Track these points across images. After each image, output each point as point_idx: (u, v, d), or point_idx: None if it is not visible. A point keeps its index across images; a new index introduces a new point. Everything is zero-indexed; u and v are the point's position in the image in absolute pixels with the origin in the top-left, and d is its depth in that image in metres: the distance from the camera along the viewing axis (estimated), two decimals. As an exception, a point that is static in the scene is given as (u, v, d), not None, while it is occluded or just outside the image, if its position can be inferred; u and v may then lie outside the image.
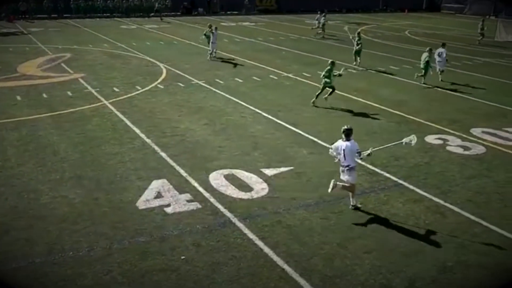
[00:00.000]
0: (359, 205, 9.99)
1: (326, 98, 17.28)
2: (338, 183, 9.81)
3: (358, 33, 25.60)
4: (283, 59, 26.28)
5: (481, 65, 25.94)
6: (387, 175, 11.63)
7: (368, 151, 9.86)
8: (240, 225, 9.22)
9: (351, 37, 25.30)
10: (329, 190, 9.75)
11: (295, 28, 40.64)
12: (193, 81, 20.54)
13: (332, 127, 14.93)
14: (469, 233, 9.13)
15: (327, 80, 17.21)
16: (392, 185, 11.14)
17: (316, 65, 24.41)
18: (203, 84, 19.99)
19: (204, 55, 26.72)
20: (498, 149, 13.49)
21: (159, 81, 20.39)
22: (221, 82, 20.45)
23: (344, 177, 9.78)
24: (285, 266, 7.98)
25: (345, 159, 9.69)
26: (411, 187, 11.03)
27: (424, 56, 20.67)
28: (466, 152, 13.22)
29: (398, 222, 9.47)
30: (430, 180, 11.41)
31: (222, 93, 18.69)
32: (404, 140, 10.28)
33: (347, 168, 9.70)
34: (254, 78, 21.39)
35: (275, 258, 8.20)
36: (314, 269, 7.92)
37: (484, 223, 9.49)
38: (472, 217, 9.72)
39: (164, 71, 22.43)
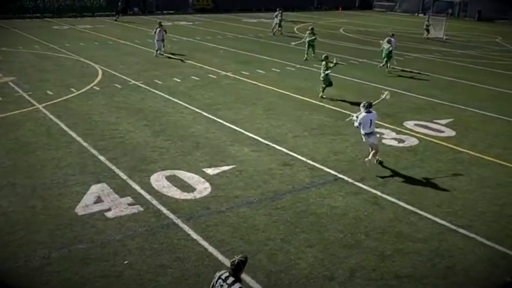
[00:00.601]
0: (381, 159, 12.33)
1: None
2: (369, 158, 11.86)
3: (312, 29, 26.37)
4: (221, 58, 26.30)
5: (412, 61, 26.93)
6: (327, 169, 11.90)
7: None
8: (183, 226, 9.19)
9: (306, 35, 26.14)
10: (368, 165, 11.82)
11: (232, 27, 40.73)
12: (130, 82, 20.21)
13: (272, 125, 15.13)
14: (405, 222, 9.50)
15: (326, 75, 18.18)
16: (332, 179, 11.41)
17: (253, 64, 24.62)
18: (141, 85, 19.71)
19: (141, 55, 26.35)
20: (429, 141, 14.08)
21: (95, 82, 19.92)
22: (159, 82, 20.23)
23: (371, 140, 11.94)
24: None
25: (370, 126, 11.81)
26: (350, 180, 11.34)
27: (386, 46, 23.04)
28: (401, 145, 13.72)
29: (339, 214, 9.73)
30: (367, 172, 11.76)
31: (160, 93, 18.50)
32: (384, 96, 13.06)
33: (372, 133, 11.91)
34: (193, 77, 21.29)
35: (220, 257, 8.24)
36: (259, 266, 8.01)
37: (419, 212, 9.90)
38: (408, 207, 10.12)
39: (100, 72, 21.94)
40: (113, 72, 21.88)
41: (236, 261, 5.79)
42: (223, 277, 5.82)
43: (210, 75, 21.82)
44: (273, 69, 23.49)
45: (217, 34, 35.81)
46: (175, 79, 20.90)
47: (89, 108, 16.47)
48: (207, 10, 53.72)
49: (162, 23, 26.95)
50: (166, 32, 26.39)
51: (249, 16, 50.21)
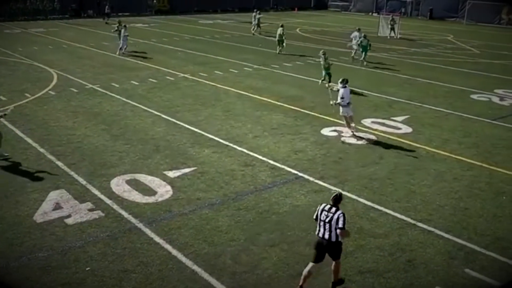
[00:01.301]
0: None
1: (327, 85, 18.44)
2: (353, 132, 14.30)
3: (282, 25, 28.83)
4: (178, 59, 26.14)
5: (368, 59, 27.35)
6: (288, 169, 12.00)
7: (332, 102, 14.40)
8: (146, 230, 9.10)
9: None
10: (355, 132, 14.31)
11: (189, 28, 40.54)
12: (87, 85, 19.85)
13: (231, 125, 15.15)
14: (366, 218, 9.68)
15: (327, 69, 20.07)
16: (293, 178, 11.51)
17: (211, 65, 24.58)
18: (98, 89, 19.39)
19: (97, 58, 25.93)
20: (387, 137, 14.38)
21: (50, 87, 19.48)
22: (116, 85, 19.95)
23: (346, 110, 14.19)
24: (195, 267, 8.00)
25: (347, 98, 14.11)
26: (311, 178, 11.46)
27: (358, 39, 25.45)
28: (359, 142, 13.95)
29: (301, 213, 9.81)
30: (328, 170, 11.93)
31: (118, 96, 18.24)
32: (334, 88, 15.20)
33: (349, 103, 14.17)
34: (151, 80, 21.09)
35: (184, 259, 8.20)
36: (223, 267, 8.02)
37: (379, 207, 10.11)
38: (368, 203, 10.31)
39: (55, 76, 21.46)
40: (69, 76, 21.45)
41: (338, 194, 7.41)
42: (326, 208, 7.30)
43: (168, 77, 21.66)
44: (231, 70, 23.51)
45: (173, 35, 35.57)
46: (132, 82, 20.65)
47: (45, 113, 16.10)
48: (163, 11, 53.26)
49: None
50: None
51: (206, 18, 50.10)
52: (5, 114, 13.16)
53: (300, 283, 7.47)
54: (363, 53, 25.54)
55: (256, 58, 26.19)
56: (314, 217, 7.41)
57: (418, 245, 8.81)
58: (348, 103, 14.19)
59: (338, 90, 14.37)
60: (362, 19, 51.19)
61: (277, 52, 28.35)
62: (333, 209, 7.23)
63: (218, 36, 35.94)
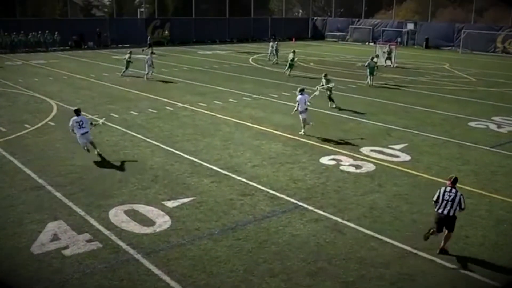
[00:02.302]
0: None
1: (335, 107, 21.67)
2: (304, 130, 17.25)
3: (294, 51, 32.30)
4: (177, 89, 26.31)
5: (365, 88, 27.60)
6: (287, 198, 11.96)
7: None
8: (144, 261, 9.02)
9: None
10: (304, 134, 17.35)
11: (188, 59, 40.93)
12: (86, 116, 19.85)
13: (230, 155, 15.16)
14: (366, 248, 9.60)
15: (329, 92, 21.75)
16: (292, 207, 11.46)
17: (210, 95, 24.73)
18: (97, 119, 19.42)
19: (96, 89, 26.11)
20: (386, 166, 14.38)
21: (49, 118, 19.56)
22: (115, 116, 20.03)
23: (304, 115, 17.27)
24: (193, 298, 7.90)
25: (304, 104, 17.12)
26: (310, 207, 11.41)
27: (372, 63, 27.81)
28: (358, 171, 13.95)
29: (301, 242, 9.75)
30: (327, 199, 11.89)
31: (117, 127, 18.30)
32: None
33: (306, 109, 17.22)
34: (150, 110, 21.19)
35: (182, 291, 8.11)
36: (222, 298, 7.92)
37: (379, 237, 10.04)
38: (368, 232, 10.24)
39: (55, 107, 21.57)
40: (69, 107, 21.49)
41: (455, 176, 9.44)
42: (447, 190, 9.19)
43: (167, 107, 21.76)
44: (230, 99, 23.65)
45: (173, 66, 35.88)
46: (131, 112, 20.74)
47: (44, 143, 16.13)
48: (163, 43, 53.82)
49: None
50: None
51: (204, 48, 50.64)
52: (95, 124, 15.26)
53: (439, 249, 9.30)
54: (370, 75, 27.79)
55: (254, 88, 26.37)
56: (435, 198, 9.26)
57: (419, 274, 8.72)
58: (306, 109, 17.16)
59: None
60: (359, 48, 51.74)
61: (287, 74, 31.18)
62: (453, 190, 9.14)
63: (216, 66, 36.26)
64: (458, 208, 9.04)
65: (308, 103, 17.44)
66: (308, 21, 67.88)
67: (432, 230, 9.35)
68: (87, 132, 14.65)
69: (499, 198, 12.10)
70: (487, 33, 49.79)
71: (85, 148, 14.72)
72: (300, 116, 17.37)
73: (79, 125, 14.51)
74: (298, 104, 17.09)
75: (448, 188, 9.19)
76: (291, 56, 31.75)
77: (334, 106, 21.91)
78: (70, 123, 14.65)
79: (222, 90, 26.09)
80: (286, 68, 31.87)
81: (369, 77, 28.07)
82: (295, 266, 8.90)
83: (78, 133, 14.55)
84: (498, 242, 9.93)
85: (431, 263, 9.09)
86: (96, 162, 14.35)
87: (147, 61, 29.51)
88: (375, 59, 28.83)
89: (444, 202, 9.07)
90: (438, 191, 9.26)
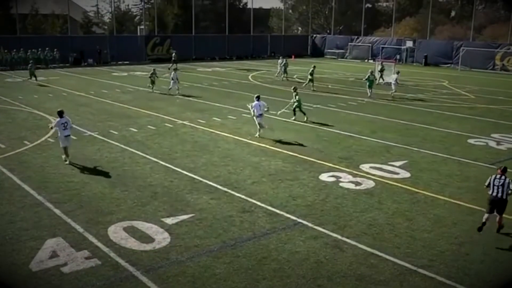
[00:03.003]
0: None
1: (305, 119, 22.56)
2: (258, 134, 18.95)
3: (314, 66, 33.52)
4: (177, 106, 26.38)
5: (364, 105, 27.71)
6: (287, 214, 11.93)
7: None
8: (143, 278, 8.96)
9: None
10: (258, 136, 19.21)
11: (188, 76, 41.06)
12: (85, 133, 19.95)
13: (230, 171, 15.14)
14: (366, 265, 9.55)
15: (297, 105, 22.66)
16: (292, 224, 11.43)
17: (210, 111, 24.79)
18: (97, 136, 19.48)
19: (96, 106, 26.17)
20: (385, 183, 14.36)
21: (49, 134, 19.55)
22: (115, 132, 20.06)
23: (260, 119, 19.17)
24: (192, 316, 7.84)
25: (259, 110, 18.91)
26: (309, 224, 11.38)
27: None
28: (358, 187, 13.93)
29: (300, 259, 9.70)
30: (326, 216, 11.86)
31: (117, 143, 18.31)
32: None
33: (261, 114, 19.06)
34: (149, 126, 21.22)
35: (181, 308, 8.04)
36: (221, 316, 7.85)
37: (379, 254, 9.99)
38: (368, 249, 10.19)
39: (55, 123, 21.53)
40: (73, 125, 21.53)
41: (504, 166, 11.00)
42: (497, 177, 10.75)
43: (167, 124, 21.80)
44: (229, 116, 23.70)
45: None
46: (131, 129, 20.77)
47: (43, 160, 16.12)
48: (163, 59, 54.09)
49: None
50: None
51: (204, 65, 50.87)
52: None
53: (480, 225, 10.72)
54: (369, 88, 30.23)
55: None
56: (487, 184, 10.90)
57: (419, 291, 8.66)
58: (260, 114, 19.13)
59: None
60: (358, 66, 52.02)
61: (312, 89, 32.32)
62: (503, 176, 10.71)
63: (216, 83, 36.40)
64: (508, 191, 10.60)
65: (265, 109, 19.46)
66: (307, 38, 68.33)
67: (484, 221, 10.72)
68: (69, 135, 15.66)
69: (499, 215, 12.05)
70: (485, 51, 50.09)
71: (65, 148, 15.67)
72: (256, 120, 19.34)
73: (64, 126, 15.45)
74: (254, 109, 19.06)
75: (498, 175, 10.74)
76: (310, 71, 32.84)
77: (305, 119, 22.58)
78: (54, 123, 15.61)
79: (222, 107, 26.17)
80: (306, 83, 32.74)
81: (368, 90, 30.36)
82: (295, 283, 8.85)
83: (61, 135, 15.41)
84: (498, 259, 9.89)
85: (431, 280, 9.04)
86: (95, 179, 14.33)
87: (172, 77, 30.69)
88: (374, 73, 31.08)
89: (495, 187, 10.66)
90: (489, 178, 10.91)
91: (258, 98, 19.33)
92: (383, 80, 37.13)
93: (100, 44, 51.73)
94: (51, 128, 15.77)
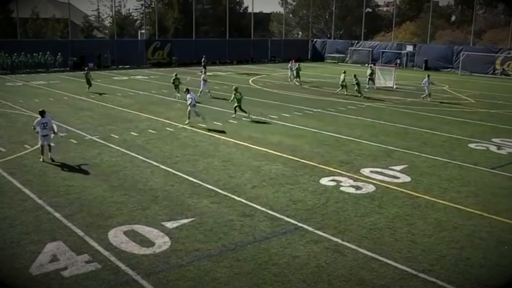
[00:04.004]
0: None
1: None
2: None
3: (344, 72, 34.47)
4: (178, 110, 26.39)
5: (364, 109, 27.72)
6: (287, 219, 11.92)
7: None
8: (143, 282, 8.95)
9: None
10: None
11: (188, 80, 41.06)
12: (86, 137, 19.97)
13: (230, 175, 15.14)
14: (367, 269, 9.53)
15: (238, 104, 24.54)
16: (292, 228, 11.41)
17: (210, 115, 24.78)
18: (97, 140, 19.49)
19: (96, 110, 26.20)
20: (386, 187, 14.35)
21: (49, 138, 19.54)
22: (115, 136, 20.07)
23: (195, 108, 21.66)
24: (192, 320, 7.82)
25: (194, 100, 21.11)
26: (310, 229, 11.36)
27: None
28: (358, 192, 13.92)
29: (301, 264, 9.68)
30: (327, 220, 11.85)
31: (117, 147, 18.32)
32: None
33: (194, 104, 21.49)
34: (150, 131, 21.23)
35: (182, 312, 8.02)
36: (221, 320, 7.83)
37: (380, 258, 9.97)
38: (369, 253, 10.18)
39: (55, 128, 21.55)
40: (69, 128, 21.61)
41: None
42: None
43: (167, 128, 21.81)
44: (230, 121, 23.71)
45: (173, 87, 35.94)
46: (131, 133, 20.79)
47: (43, 164, 16.12)
48: (163, 64, 54.20)
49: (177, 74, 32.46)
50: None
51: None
52: (56, 133, 17.71)
53: None
54: (358, 91, 32.27)
55: (254, 109, 26.43)
56: None
57: (420, 296, 8.65)
58: (194, 104, 22.40)
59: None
60: (358, 70, 52.04)
61: (345, 93, 33.29)
62: None
63: (217, 87, 36.40)
64: None
65: (197, 100, 23.13)
66: (307, 42, 68.44)
67: None
68: (47, 135, 16.23)
69: (500, 220, 12.05)
70: (486, 55, 50.18)
71: (41, 148, 16.33)
72: (190, 109, 22.46)
73: (43, 126, 16.16)
74: (191, 99, 22.31)
75: None
76: (342, 77, 33.41)
77: (248, 114, 24.24)
78: (35, 122, 16.40)
79: (222, 111, 26.17)
80: (340, 89, 33.73)
81: (358, 93, 32.42)
82: (295, 288, 8.83)
83: (40, 133, 16.13)
84: (499, 264, 9.87)
85: (432, 284, 9.03)
86: (95, 183, 14.33)
87: (202, 80, 31.72)
88: (357, 77, 32.59)
89: None
90: None
91: (188, 91, 23.17)
92: (374, 84, 37.07)
93: (101, 48, 51.83)
94: (34, 128, 16.33)
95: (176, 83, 31.32)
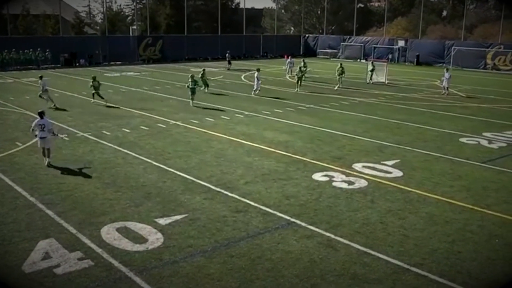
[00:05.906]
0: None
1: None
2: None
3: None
4: (170, 107, 26.34)
5: (357, 105, 27.79)
6: (280, 214, 11.95)
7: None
8: (136, 279, 8.95)
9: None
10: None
11: (181, 76, 41.00)
12: (78, 133, 19.89)
13: (223, 171, 15.15)
14: (359, 264, 9.58)
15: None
16: (285, 223, 11.44)
17: (202, 112, 24.77)
18: (89, 136, 19.42)
19: (88, 106, 26.10)
20: (378, 182, 14.41)
21: (41, 136, 19.45)
22: (107, 133, 20.00)
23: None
24: (186, 316, 7.83)
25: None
26: (303, 224, 11.40)
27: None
28: (351, 187, 13.97)
29: (294, 259, 9.71)
30: (320, 216, 11.88)
31: (109, 144, 18.26)
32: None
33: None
34: (142, 127, 21.18)
35: (175, 309, 8.04)
36: (215, 316, 7.85)
37: (372, 253, 10.03)
38: (361, 248, 10.23)
39: (55, 130, 21.42)
40: (60, 125, 21.49)
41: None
42: None
43: (160, 125, 21.77)
44: (222, 117, 23.70)
45: (165, 83, 35.96)
46: (124, 129, 20.72)
47: (35, 161, 16.05)
48: (155, 60, 54.03)
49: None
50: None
51: (197, 65, 50.70)
52: (56, 135, 16.80)
53: None
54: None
55: (247, 105, 26.46)
56: None
57: (412, 290, 8.70)
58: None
59: None
60: (350, 65, 52.14)
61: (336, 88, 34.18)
62: None
63: (213, 84, 36.30)
64: None
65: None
66: (300, 38, 68.38)
67: None
68: (45, 137, 15.61)
69: (491, 214, 12.14)
70: (477, 50, 50.41)
71: (42, 150, 15.74)
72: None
73: (41, 127, 15.56)
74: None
75: None
76: (338, 70, 34.61)
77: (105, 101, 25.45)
78: (33, 124, 15.73)
79: (215, 107, 26.15)
80: (338, 85, 34.51)
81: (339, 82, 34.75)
82: (288, 283, 8.86)
83: (38, 135, 15.63)
84: (490, 257, 9.95)
85: (424, 278, 9.08)
86: (87, 180, 14.29)
87: (257, 77, 30.81)
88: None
89: None
90: None
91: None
92: (371, 79, 37.53)
93: (92, 44, 51.53)
94: (32, 130, 15.91)
95: (205, 78, 31.45)
